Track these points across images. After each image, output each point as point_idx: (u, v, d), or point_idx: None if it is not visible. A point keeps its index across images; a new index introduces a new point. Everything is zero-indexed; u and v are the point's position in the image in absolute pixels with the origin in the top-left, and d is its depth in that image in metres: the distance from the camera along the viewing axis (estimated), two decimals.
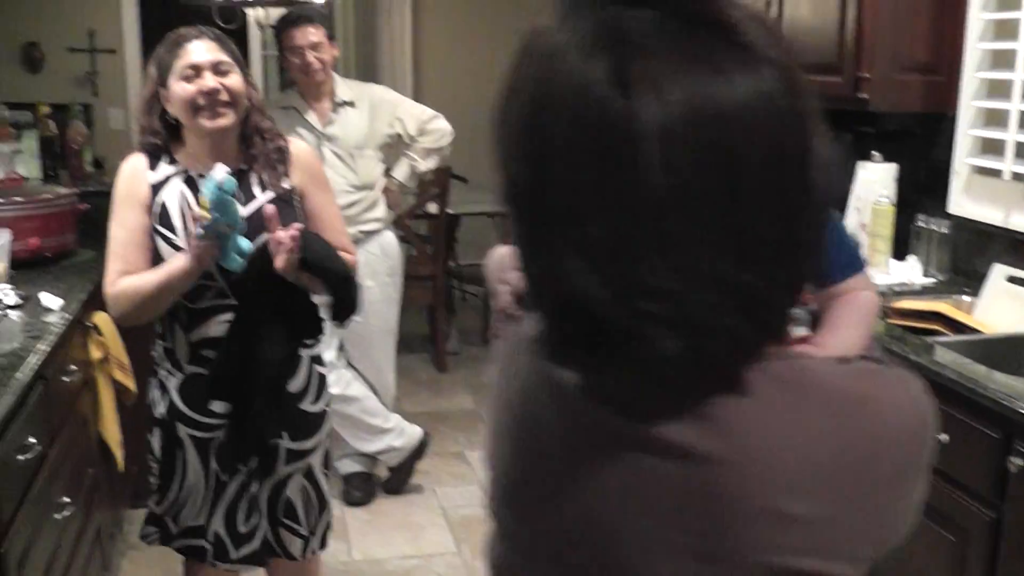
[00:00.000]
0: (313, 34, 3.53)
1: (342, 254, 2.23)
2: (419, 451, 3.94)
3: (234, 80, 2.16)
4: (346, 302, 2.22)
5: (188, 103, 2.12)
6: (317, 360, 2.37)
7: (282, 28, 3.61)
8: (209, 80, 2.12)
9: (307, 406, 2.33)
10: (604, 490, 0.81)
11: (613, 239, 0.73)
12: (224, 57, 2.17)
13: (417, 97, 3.96)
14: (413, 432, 3.92)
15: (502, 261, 1.11)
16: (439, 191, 4.97)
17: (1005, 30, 2.87)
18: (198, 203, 2.06)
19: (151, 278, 2.10)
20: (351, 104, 3.68)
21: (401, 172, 3.91)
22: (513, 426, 0.91)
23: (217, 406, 2.22)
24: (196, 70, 2.12)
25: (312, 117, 3.63)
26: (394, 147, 3.92)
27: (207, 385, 2.19)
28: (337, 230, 2.34)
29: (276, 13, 4.28)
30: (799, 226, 0.76)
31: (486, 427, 0.97)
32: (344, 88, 3.71)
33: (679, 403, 0.78)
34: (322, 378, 2.38)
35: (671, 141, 0.70)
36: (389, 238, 3.85)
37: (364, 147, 3.68)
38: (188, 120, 2.15)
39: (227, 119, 2.15)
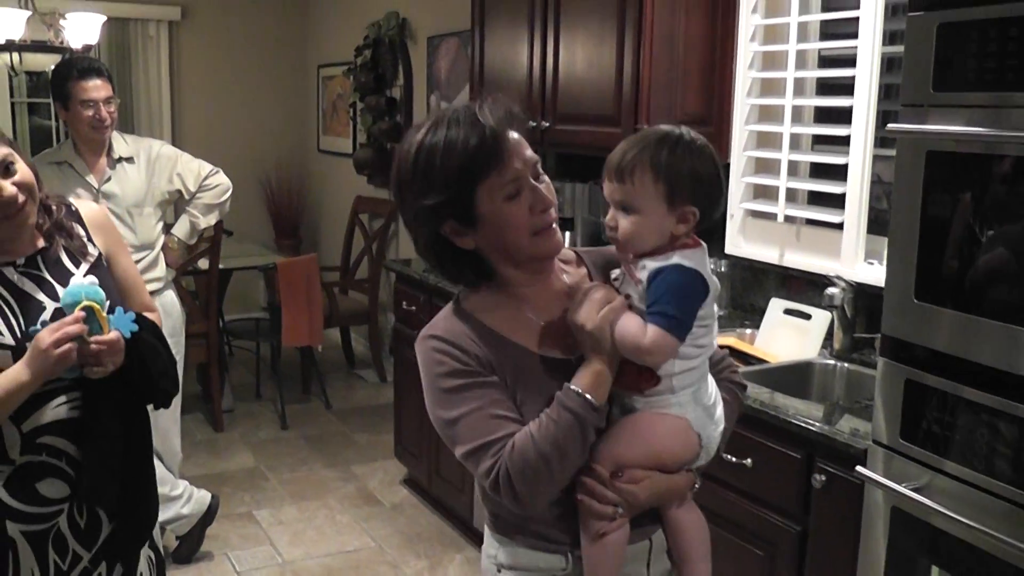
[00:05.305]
0: (104, 87, 3.36)
1: (147, 314, 2.09)
2: (209, 516, 3.81)
3: (23, 171, 1.93)
4: (170, 388, 2.09)
5: None
6: None
7: (72, 77, 3.36)
8: (8, 188, 1.88)
9: None
10: None
11: None
12: (9, 149, 1.92)
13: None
14: (202, 497, 3.78)
15: None
16: (211, 246, 4.82)
17: (771, 87, 3.17)
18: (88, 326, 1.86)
19: None
20: (129, 160, 3.52)
21: (181, 230, 3.75)
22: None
23: (50, 490, 1.97)
24: None
25: (89, 174, 3.44)
26: (172, 203, 3.78)
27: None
28: (141, 290, 2.22)
29: (31, 58, 4.00)
30: None
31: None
32: (121, 143, 3.54)
33: None
34: None
35: None
36: (170, 297, 3.69)
37: (143, 205, 3.53)
38: None
39: (31, 216, 1.95)
